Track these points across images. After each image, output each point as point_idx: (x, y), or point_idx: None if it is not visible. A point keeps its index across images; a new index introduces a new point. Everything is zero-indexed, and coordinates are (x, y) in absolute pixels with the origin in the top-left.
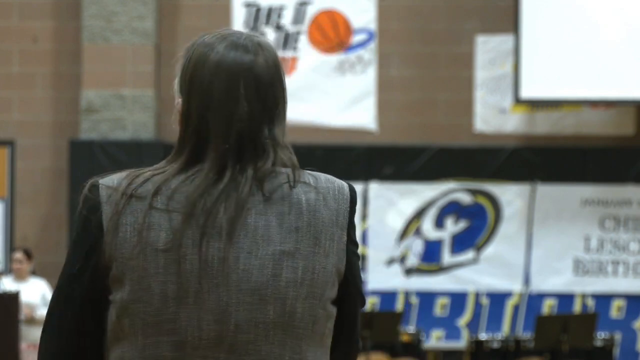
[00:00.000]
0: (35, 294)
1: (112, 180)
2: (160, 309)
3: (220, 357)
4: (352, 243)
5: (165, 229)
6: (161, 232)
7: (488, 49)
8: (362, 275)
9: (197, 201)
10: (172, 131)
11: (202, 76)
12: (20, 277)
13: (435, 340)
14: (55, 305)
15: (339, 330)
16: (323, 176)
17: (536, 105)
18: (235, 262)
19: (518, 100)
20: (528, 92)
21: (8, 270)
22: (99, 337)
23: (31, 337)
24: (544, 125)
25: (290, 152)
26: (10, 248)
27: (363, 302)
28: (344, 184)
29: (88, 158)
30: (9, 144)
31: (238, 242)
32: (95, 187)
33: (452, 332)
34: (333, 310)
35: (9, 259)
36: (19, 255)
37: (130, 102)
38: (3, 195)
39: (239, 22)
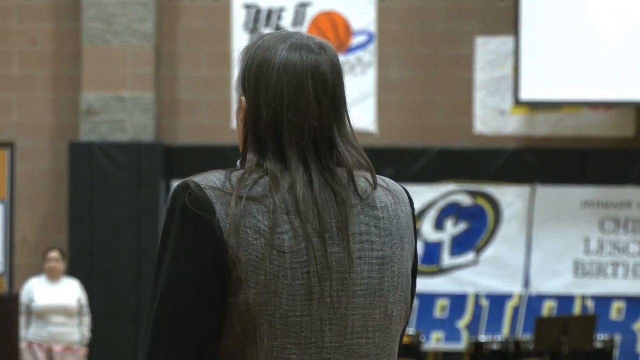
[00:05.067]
0: (72, 295)
1: (212, 182)
2: (287, 311)
3: (340, 359)
4: (417, 247)
5: (287, 233)
6: (284, 235)
7: (488, 51)
8: None
9: (309, 204)
10: (172, 133)
11: (269, 76)
12: (54, 277)
13: (435, 342)
14: (173, 308)
15: None
16: (387, 178)
17: (536, 107)
18: (350, 266)
19: (518, 102)
20: (528, 94)
21: (8, 272)
22: (214, 341)
23: (32, 337)
24: (544, 127)
25: (362, 152)
26: (10, 249)
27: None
28: (400, 186)
29: (88, 160)
30: (9, 145)
31: (349, 246)
32: (199, 187)
33: (452, 334)
34: (409, 312)
35: (9, 260)
36: (54, 254)
37: (130, 104)
38: (3, 197)
39: (239, 23)
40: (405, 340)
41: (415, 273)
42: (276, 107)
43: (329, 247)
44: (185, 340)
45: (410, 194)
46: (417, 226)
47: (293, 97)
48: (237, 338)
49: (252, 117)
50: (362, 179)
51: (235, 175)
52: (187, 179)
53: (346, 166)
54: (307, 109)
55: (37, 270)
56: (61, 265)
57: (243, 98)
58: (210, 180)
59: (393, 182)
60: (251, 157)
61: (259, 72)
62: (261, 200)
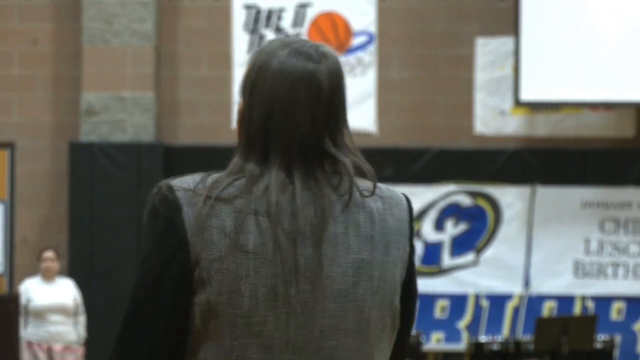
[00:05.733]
0: (68, 294)
1: (185, 183)
2: (250, 311)
3: None
4: (413, 253)
5: (253, 232)
6: (250, 235)
7: (488, 51)
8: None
9: (281, 205)
10: (172, 133)
11: (264, 80)
12: (49, 276)
13: (435, 342)
14: (140, 306)
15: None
16: (382, 185)
17: (536, 107)
18: (320, 269)
19: (518, 103)
20: (528, 94)
21: (8, 272)
22: (180, 340)
23: (30, 336)
24: (544, 127)
25: (361, 158)
26: (10, 249)
27: (415, 314)
28: (400, 193)
29: (88, 160)
30: (9, 146)
31: (322, 249)
32: (171, 189)
33: (452, 334)
34: (398, 319)
35: (9, 260)
36: (49, 254)
37: (130, 105)
38: (3, 197)
39: (239, 24)
40: None
41: (411, 279)
42: (267, 110)
43: (299, 248)
44: (144, 339)
45: (410, 196)
46: (417, 227)
47: (285, 102)
48: (199, 336)
49: (245, 120)
50: (349, 184)
51: (213, 177)
52: (162, 181)
53: (339, 172)
54: (297, 115)
55: (37, 271)
56: (56, 265)
57: (241, 100)
58: (184, 182)
59: (389, 188)
60: (236, 160)
61: (257, 75)
62: (231, 200)
